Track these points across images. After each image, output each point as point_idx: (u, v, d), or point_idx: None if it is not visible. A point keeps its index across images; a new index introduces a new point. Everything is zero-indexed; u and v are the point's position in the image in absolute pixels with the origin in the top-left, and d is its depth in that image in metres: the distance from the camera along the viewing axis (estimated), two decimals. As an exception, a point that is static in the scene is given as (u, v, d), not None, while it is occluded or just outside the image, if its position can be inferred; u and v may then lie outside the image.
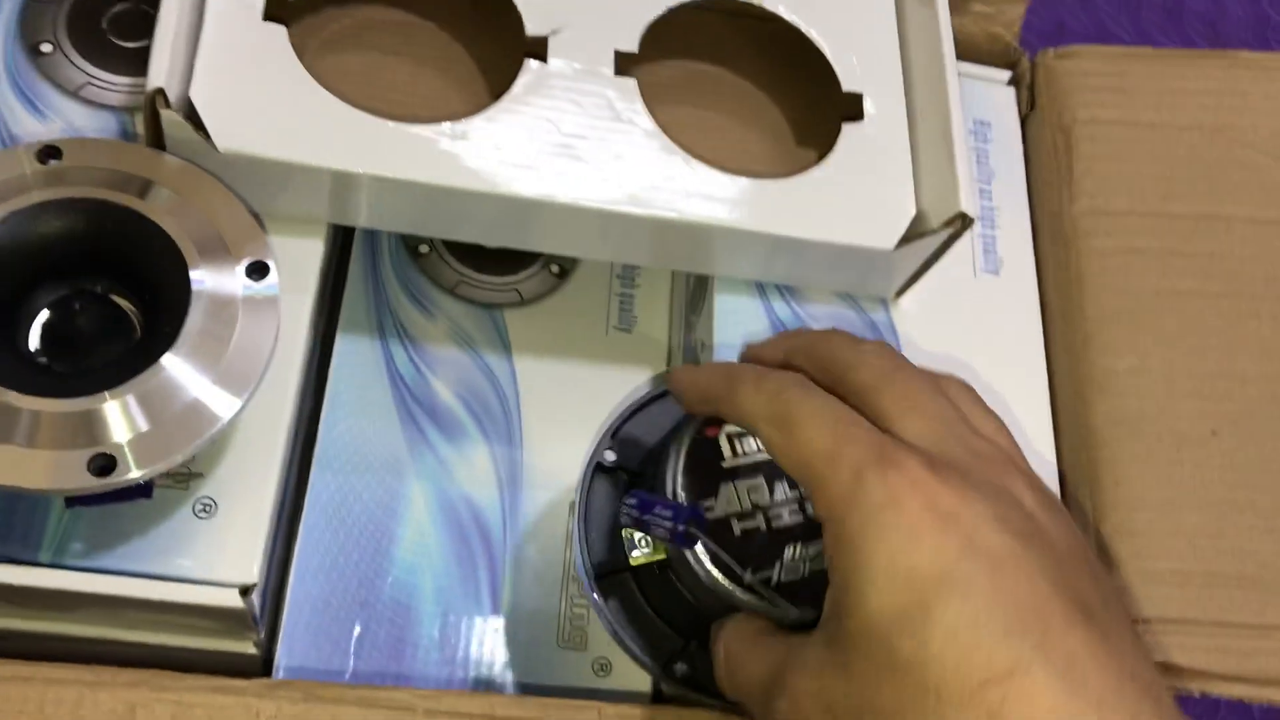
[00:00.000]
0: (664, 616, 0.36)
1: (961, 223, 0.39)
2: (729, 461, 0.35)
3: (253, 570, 0.35)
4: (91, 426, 0.32)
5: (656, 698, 0.41)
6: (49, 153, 0.35)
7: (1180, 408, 0.42)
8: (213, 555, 0.35)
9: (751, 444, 0.35)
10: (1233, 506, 0.41)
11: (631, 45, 0.41)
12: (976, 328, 0.44)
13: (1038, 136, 0.49)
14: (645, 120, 0.40)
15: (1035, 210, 0.48)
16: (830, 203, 0.40)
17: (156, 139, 0.36)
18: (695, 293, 0.45)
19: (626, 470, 0.38)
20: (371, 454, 0.42)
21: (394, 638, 0.40)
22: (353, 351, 0.44)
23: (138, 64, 0.40)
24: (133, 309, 0.36)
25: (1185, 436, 0.42)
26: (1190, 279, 0.45)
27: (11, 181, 0.34)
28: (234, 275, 0.34)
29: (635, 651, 0.36)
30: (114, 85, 0.40)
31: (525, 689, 0.40)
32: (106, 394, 0.32)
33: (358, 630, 0.40)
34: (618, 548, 0.36)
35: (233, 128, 0.36)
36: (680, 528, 0.31)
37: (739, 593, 0.33)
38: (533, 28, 0.40)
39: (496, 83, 0.40)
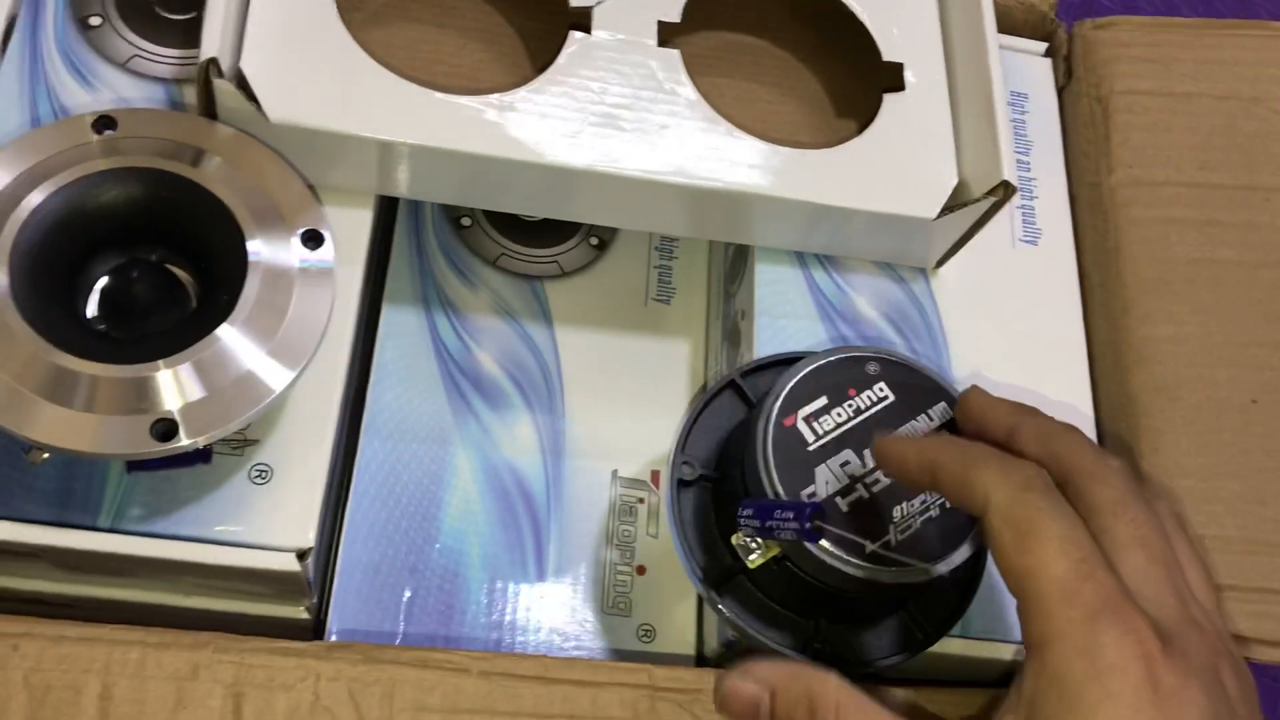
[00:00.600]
0: (786, 606, 0.36)
1: (1004, 192, 0.39)
2: (813, 445, 0.35)
3: (308, 535, 0.35)
4: (147, 392, 0.32)
5: (700, 662, 0.41)
6: (105, 122, 0.35)
7: (1219, 376, 0.42)
8: (268, 520, 0.35)
9: (829, 421, 0.35)
10: (1274, 474, 0.41)
11: (674, 16, 0.41)
12: (1015, 298, 0.44)
13: (1075, 107, 0.49)
14: (689, 90, 0.40)
15: (1073, 181, 0.48)
16: (872, 172, 0.40)
17: (209, 109, 0.36)
18: (735, 262, 0.45)
19: (707, 479, 0.38)
20: (418, 423, 0.43)
21: (443, 603, 0.40)
22: (398, 322, 0.44)
23: (185, 36, 0.41)
24: (188, 277, 0.36)
25: (1225, 404, 0.42)
26: (1228, 249, 0.45)
27: (71, 151, 0.34)
28: (289, 245, 0.35)
29: (772, 645, 0.36)
30: (161, 57, 0.40)
31: (572, 654, 0.41)
32: (161, 362, 0.32)
33: (407, 595, 0.40)
34: (718, 553, 0.37)
35: (283, 99, 0.36)
36: (807, 525, 0.32)
37: (871, 567, 0.33)
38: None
39: (540, 54, 0.41)
